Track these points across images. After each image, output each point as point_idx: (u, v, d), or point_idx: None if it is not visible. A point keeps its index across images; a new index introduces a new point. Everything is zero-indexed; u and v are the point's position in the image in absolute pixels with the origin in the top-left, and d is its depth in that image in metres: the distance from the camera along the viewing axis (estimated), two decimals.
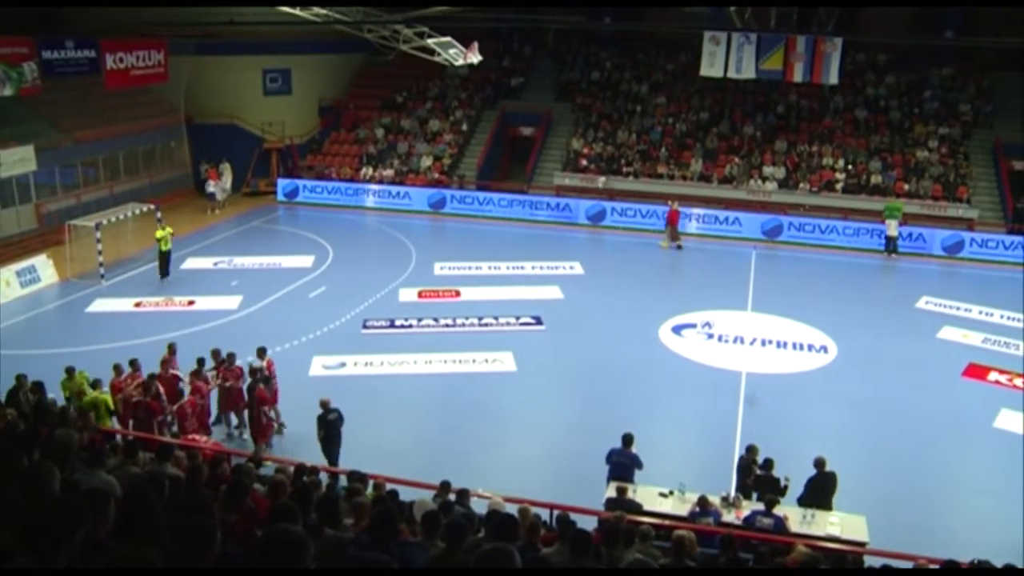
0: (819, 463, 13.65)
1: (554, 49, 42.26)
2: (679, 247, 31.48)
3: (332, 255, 29.09)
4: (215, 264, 28.01)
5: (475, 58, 32.78)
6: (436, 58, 32.21)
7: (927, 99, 37.62)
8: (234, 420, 17.23)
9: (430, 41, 31.15)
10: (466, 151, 38.41)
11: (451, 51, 31.75)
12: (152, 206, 28.35)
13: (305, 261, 28.34)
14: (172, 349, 17.45)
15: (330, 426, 15.46)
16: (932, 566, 9.98)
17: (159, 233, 25.80)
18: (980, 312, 25.40)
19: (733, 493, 13.38)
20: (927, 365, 21.64)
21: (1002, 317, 25.03)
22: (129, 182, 35.52)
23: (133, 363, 16.65)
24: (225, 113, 39.03)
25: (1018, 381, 20.57)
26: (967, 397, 19.80)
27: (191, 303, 24.18)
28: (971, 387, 20.43)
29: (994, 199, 34.30)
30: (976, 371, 21.18)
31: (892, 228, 31.56)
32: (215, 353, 17.22)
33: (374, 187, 36.28)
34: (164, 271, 25.91)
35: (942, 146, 35.55)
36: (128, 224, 27.82)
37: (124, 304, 24.10)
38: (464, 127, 38.96)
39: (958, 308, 25.77)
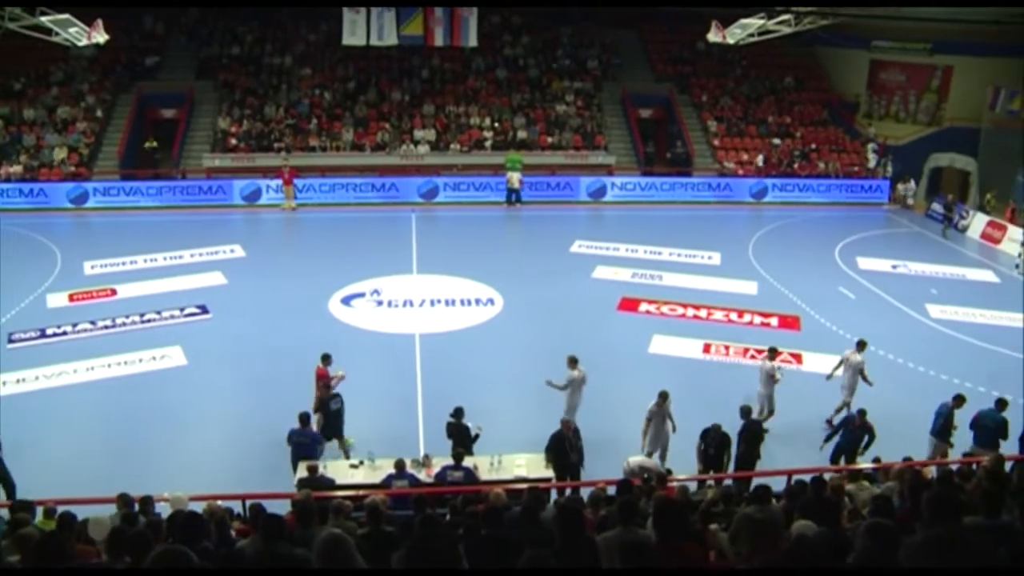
0: None
1: (188, 24, 40.21)
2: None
3: None
4: None
5: (101, 37, 30.24)
6: (55, 38, 29.42)
7: (560, 57, 39.97)
8: None
9: (44, 19, 28.31)
10: (104, 139, 35.77)
11: (72, 30, 29.05)
12: None
13: None
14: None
15: None
16: (610, 488, 10.79)
17: None
18: (627, 250, 27.73)
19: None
20: (586, 304, 23.28)
21: (646, 252, 27.50)
22: None
23: None
24: None
25: (664, 308, 22.72)
26: (623, 329, 21.57)
27: None
28: (626, 319, 22.31)
29: (627, 145, 37.33)
30: (629, 304, 23.13)
31: (514, 180, 33.33)
32: None
33: (1, 186, 32.92)
34: None
35: (578, 99, 38.03)
36: None
37: None
38: (99, 113, 36.17)
39: (607, 248, 27.93)
